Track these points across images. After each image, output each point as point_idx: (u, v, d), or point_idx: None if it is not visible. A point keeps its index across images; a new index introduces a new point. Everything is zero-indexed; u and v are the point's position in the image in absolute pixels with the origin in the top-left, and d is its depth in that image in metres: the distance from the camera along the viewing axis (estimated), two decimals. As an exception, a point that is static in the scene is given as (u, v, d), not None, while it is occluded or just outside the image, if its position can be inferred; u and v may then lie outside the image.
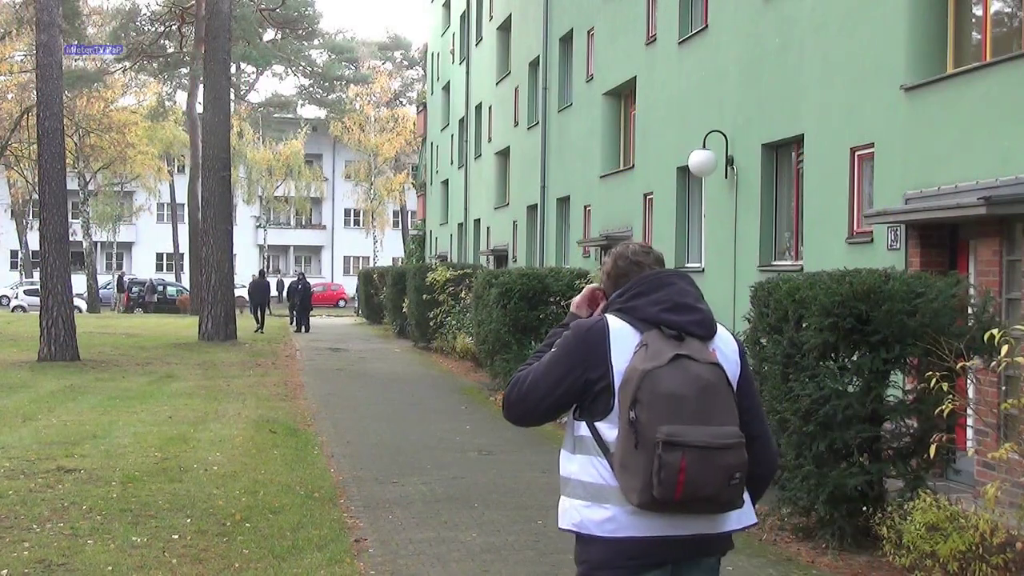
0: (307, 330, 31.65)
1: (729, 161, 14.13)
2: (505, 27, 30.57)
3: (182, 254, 58.95)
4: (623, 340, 2.98)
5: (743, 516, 3.11)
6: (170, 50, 45.39)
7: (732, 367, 3.07)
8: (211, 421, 12.74)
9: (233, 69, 44.43)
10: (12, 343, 24.45)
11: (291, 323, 33.22)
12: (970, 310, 7.12)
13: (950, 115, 9.47)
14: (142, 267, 68.97)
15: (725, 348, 3.09)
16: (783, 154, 13.32)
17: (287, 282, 36.24)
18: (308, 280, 34.38)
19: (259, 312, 31.45)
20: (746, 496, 3.06)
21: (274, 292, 58.75)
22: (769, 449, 3.20)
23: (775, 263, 13.16)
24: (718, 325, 3.11)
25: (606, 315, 3.09)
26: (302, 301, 32.07)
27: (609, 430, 2.97)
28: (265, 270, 36.59)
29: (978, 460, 8.02)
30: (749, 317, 8.39)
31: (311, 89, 69.09)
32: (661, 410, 2.83)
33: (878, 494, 7.15)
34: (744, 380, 3.12)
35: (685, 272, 3.27)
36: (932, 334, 6.74)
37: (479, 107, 34.39)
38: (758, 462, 3.10)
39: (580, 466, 3.03)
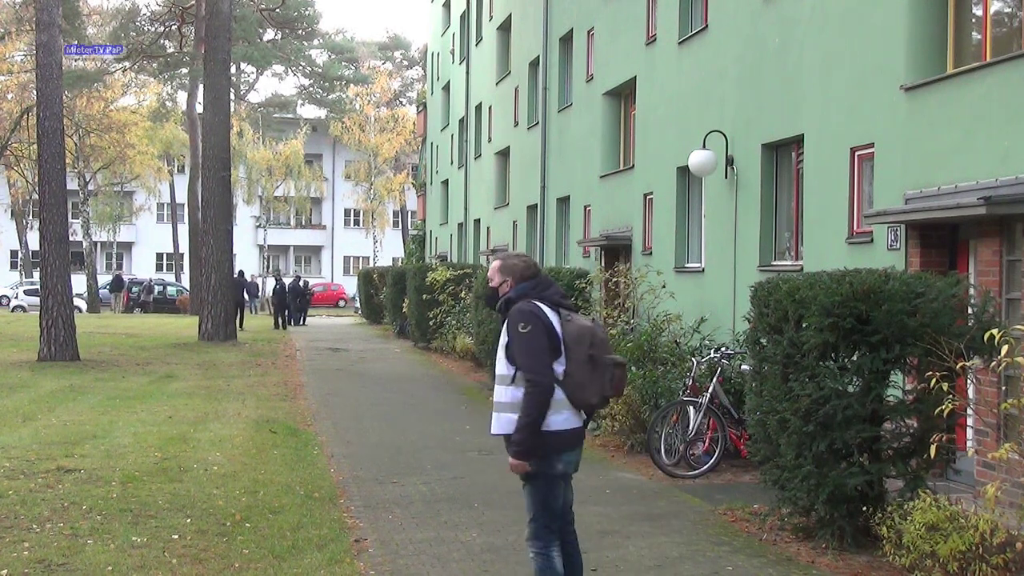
0: (285, 327, 34.05)
1: (729, 161, 14.12)
2: (505, 27, 30.55)
3: (182, 254, 58.95)
4: (549, 313, 5.19)
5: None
6: (170, 50, 45.39)
7: None
8: (211, 421, 12.75)
9: (233, 69, 44.44)
10: (12, 343, 24.46)
11: (280, 323, 34.89)
12: (970, 310, 7.11)
13: (950, 115, 9.46)
14: (142, 267, 68.94)
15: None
16: (783, 154, 13.31)
17: (286, 282, 36.99)
18: (289, 281, 38.68)
19: None
20: None
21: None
22: None
23: (775, 263, 13.15)
24: None
25: (532, 300, 5.22)
26: (280, 301, 35.59)
27: (558, 366, 5.10)
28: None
29: (978, 460, 8.02)
30: (749, 317, 8.39)
31: (311, 89, 69.14)
32: (600, 348, 5.16)
33: (878, 494, 7.15)
34: None
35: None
36: (932, 334, 6.73)
37: (479, 107, 34.36)
38: None
39: (512, 394, 5.05)
